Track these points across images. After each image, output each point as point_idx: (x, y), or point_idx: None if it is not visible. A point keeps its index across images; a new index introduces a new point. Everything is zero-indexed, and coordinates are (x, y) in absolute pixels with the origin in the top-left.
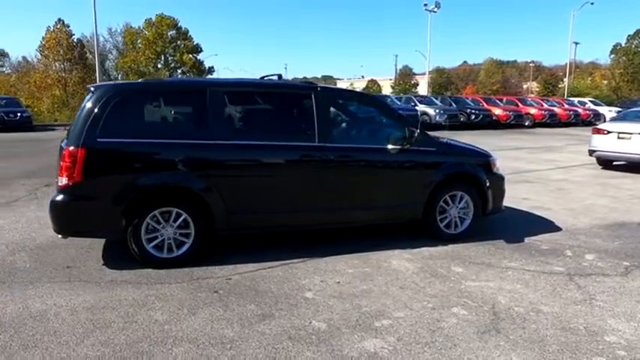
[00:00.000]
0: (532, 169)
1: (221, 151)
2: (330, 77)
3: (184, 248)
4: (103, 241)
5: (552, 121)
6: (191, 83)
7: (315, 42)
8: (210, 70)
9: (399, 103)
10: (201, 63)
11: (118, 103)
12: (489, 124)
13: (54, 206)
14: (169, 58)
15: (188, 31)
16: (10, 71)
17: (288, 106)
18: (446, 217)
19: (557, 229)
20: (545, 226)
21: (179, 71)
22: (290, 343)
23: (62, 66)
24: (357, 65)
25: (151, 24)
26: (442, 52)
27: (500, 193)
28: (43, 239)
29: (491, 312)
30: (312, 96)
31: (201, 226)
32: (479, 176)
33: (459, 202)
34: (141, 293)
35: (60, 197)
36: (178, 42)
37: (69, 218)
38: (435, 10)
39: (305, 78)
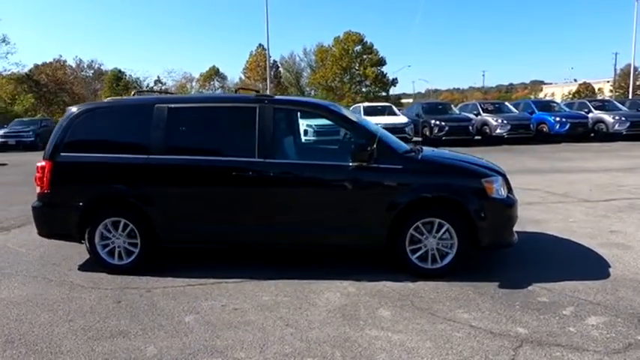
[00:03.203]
0: None
1: (160, 166)
2: (541, 82)
3: (133, 257)
4: None
5: None
6: (142, 101)
7: (518, 46)
8: (394, 81)
9: (566, 109)
10: (384, 75)
11: (80, 122)
12: None
13: (33, 211)
14: (354, 72)
15: (373, 45)
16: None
17: (231, 120)
18: (420, 247)
19: (601, 276)
20: (587, 270)
21: (363, 84)
22: None
23: (260, 85)
24: (567, 67)
25: (338, 41)
26: None
27: (503, 222)
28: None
29: None
30: (257, 109)
31: (147, 237)
32: (463, 201)
33: (438, 232)
34: (65, 295)
35: (36, 204)
36: (363, 56)
37: (43, 222)
38: None
39: (511, 85)
